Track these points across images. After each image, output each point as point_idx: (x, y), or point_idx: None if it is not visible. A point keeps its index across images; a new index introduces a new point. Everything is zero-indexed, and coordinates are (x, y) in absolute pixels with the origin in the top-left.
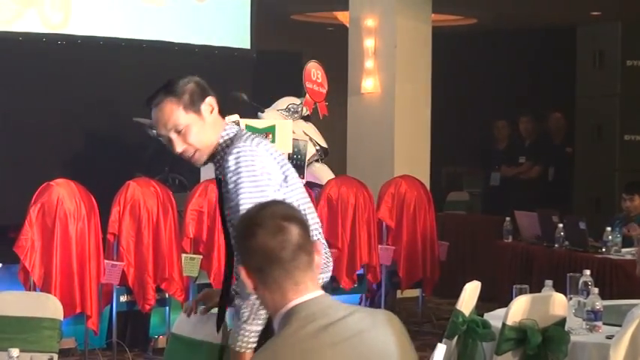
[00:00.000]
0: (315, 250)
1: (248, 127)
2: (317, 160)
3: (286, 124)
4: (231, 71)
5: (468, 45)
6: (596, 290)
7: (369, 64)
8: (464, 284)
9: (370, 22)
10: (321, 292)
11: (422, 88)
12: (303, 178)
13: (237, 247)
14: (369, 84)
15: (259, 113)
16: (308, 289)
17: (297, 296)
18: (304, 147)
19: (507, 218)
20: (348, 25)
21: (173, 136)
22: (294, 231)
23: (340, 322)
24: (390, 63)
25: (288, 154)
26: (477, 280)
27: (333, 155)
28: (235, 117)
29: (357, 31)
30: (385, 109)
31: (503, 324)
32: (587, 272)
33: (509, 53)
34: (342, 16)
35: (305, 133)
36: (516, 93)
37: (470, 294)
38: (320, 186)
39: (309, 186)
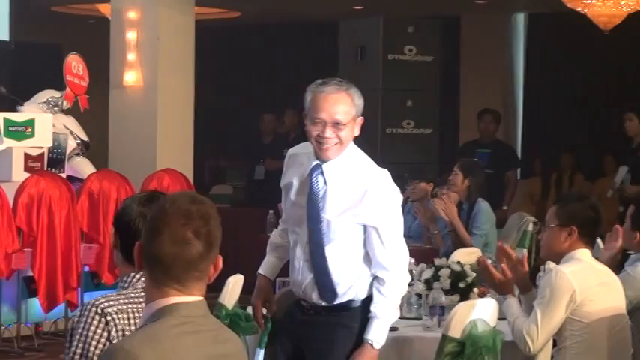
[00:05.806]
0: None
1: (7, 121)
2: (78, 154)
3: (46, 117)
4: None
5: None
6: None
7: (131, 56)
8: None
9: (132, 15)
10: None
11: (185, 80)
12: (63, 172)
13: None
14: (131, 77)
15: (18, 106)
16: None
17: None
18: (65, 141)
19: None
20: (109, 18)
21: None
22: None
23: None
24: (152, 56)
25: (48, 148)
26: None
27: (95, 149)
28: None
29: (118, 24)
30: (148, 102)
31: None
32: None
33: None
34: (104, 8)
35: (65, 127)
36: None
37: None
38: (81, 180)
39: (70, 180)
